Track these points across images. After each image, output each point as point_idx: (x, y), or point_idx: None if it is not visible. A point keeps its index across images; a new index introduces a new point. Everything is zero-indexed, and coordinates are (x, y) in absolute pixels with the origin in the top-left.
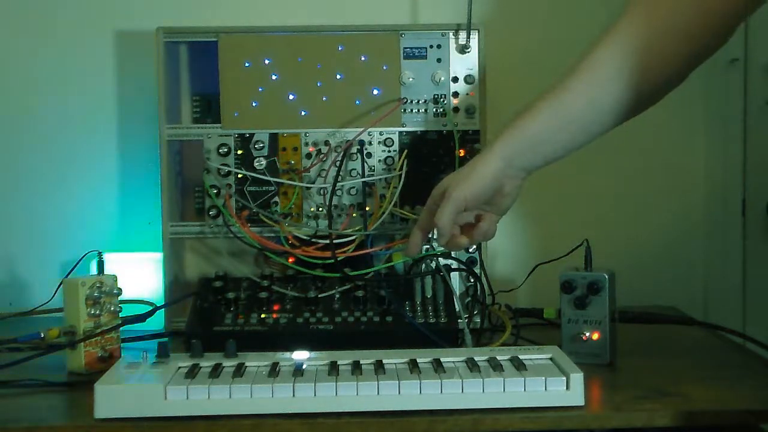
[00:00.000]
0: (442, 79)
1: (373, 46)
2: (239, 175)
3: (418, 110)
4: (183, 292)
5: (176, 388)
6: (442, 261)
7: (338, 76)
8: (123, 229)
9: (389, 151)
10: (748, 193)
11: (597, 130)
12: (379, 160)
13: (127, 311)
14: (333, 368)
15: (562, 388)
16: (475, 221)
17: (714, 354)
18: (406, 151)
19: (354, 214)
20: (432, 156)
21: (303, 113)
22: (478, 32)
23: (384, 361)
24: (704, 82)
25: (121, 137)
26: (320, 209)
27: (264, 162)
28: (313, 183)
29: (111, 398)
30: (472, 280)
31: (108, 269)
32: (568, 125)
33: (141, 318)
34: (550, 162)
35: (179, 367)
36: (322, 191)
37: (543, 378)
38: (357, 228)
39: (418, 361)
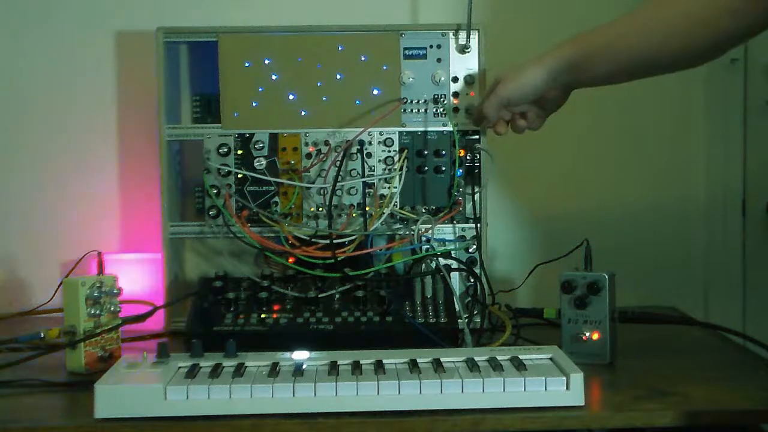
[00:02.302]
0: (442, 79)
1: (373, 46)
2: (239, 175)
3: (418, 110)
4: (183, 292)
5: (176, 388)
6: (442, 261)
7: (338, 76)
8: (123, 229)
9: (389, 151)
10: (748, 193)
11: (640, 58)
12: (379, 160)
13: (127, 311)
14: (333, 368)
15: (562, 388)
16: (520, 115)
17: (714, 354)
18: (406, 151)
19: (354, 214)
20: (432, 156)
21: (303, 113)
22: (478, 32)
23: (384, 361)
24: (704, 82)
25: (121, 137)
26: (320, 209)
27: (264, 162)
28: (313, 183)
29: (111, 398)
30: (472, 280)
31: (108, 269)
32: (615, 48)
33: (141, 318)
34: (590, 85)
35: (179, 367)
36: (322, 191)
37: (543, 378)
38: (357, 228)
39: (418, 361)
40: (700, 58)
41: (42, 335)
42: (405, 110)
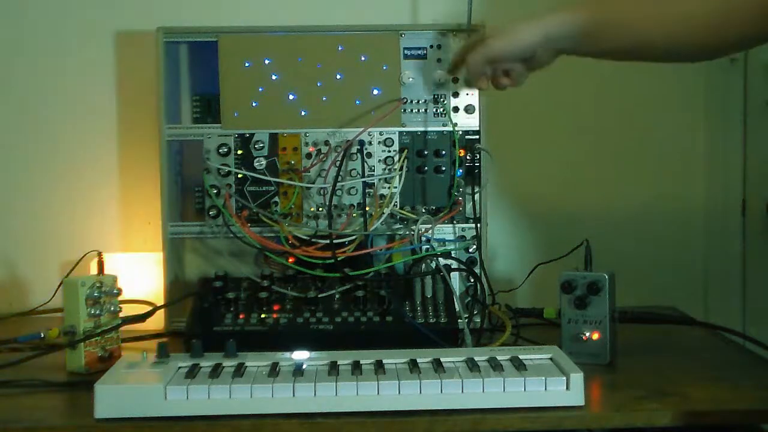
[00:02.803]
0: (442, 79)
1: (373, 46)
2: (239, 175)
3: (418, 110)
4: (183, 292)
5: (176, 388)
6: (442, 261)
7: (338, 76)
8: (123, 229)
9: (389, 151)
10: (748, 193)
11: (632, 44)
12: (379, 160)
13: (127, 311)
14: (333, 368)
15: (562, 388)
16: (504, 73)
17: (714, 354)
18: (406, 151)
19: (354, 214)
20: (432, 156)
21: (303, 113)
22: (478, 32)
23: (384, 361)
24: (704, 82)
25: (121, 137)
26: (320, 209)
27: (264, 162)
28: (313, 183)
29: (111, 398)
30: (472, 280)
31: (108, 269)
32: (635, 28)
33: (141, 318)
34: (589, 56)
35: (179, 367)
36: (322, 191)
37: (543, 378)
38: (357, 228)
39: (418, 361)
40: (720, 53)
41: (42, 335)
42: (405, 110)
